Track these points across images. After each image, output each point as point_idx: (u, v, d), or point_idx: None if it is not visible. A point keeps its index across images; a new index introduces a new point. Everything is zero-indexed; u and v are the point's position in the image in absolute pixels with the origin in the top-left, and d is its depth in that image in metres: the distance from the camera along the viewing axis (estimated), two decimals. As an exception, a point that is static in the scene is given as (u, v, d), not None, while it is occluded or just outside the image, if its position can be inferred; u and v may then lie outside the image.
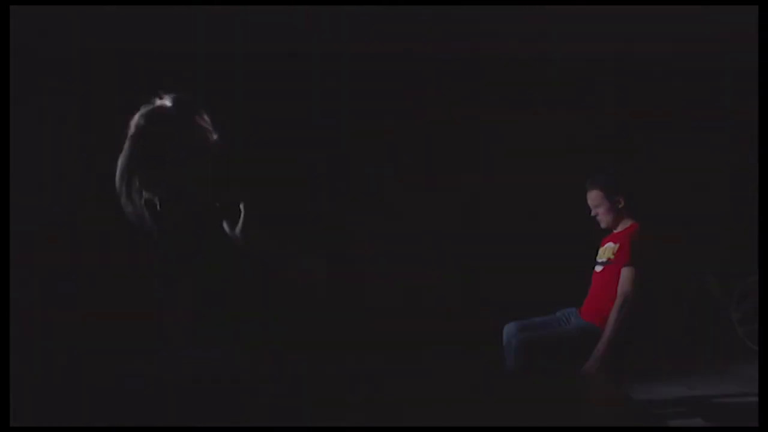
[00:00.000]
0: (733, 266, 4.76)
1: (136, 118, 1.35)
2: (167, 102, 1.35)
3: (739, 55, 4.60)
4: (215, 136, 1.38)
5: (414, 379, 1.38)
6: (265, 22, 4.06)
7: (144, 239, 1.47)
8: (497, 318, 3.19)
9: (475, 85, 4.92)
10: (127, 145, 1.33)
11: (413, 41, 4.55)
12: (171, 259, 1.48)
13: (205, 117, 1.37)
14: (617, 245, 2.89)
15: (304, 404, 1.17)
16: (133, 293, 3.38)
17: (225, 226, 1.33)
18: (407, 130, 4.85)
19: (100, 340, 4.11)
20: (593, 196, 2.99)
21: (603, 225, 3.02)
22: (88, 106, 4.36)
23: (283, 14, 3.91)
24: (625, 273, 2.78)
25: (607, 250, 2.98)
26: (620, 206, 2.96)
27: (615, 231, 3.01)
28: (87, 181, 4.12)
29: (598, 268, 3.01)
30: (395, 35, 4.42)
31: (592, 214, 3.02)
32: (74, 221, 4.33)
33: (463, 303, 4.82)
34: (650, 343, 3.67)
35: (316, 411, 1.12)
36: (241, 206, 1.30)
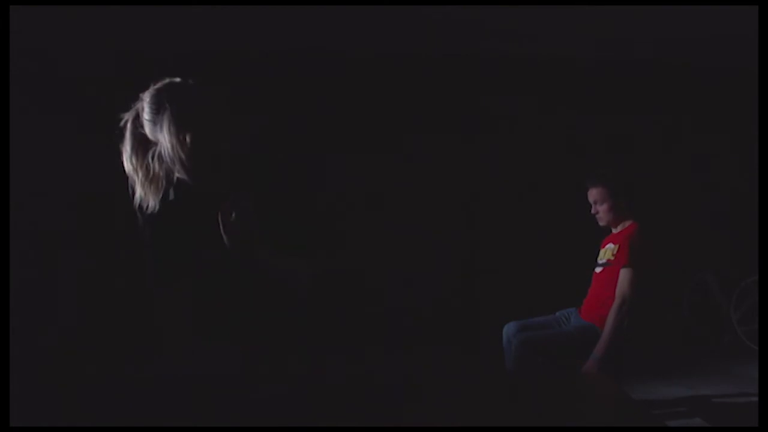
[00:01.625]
0: (733, 266, 4.76)
1: (159, 85, 1.33)
2: (191, 81, 1.36)
3: (739, 55, 4.60)
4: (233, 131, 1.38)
5: (414, 378, 1.38)
6: (264, 22, 4.06)
7: (139, 239, 1.46)
8: (497, 318, 3.19)
9: (476, 84, 4.92)
10: (147, 108, 1.31)
11: (411, 41, 4.55)
12: (165, 258, 1.47)
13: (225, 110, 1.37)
14: (617, 246, 2.88)
15: (303, 404, 1.17)
16: (132, 293, 3.38)
17: (221, 224, 1.32)
18: (407, 129, 4.85)
19: (100, 340, 4.11)
20: (595, 193, 2.95)
21: (602, 223, 2.99)
22: (87, 106, 4.36)
23: (283, 14, 3.91)
24: (624, 274, 2.77)
25: (607, 252, 2.97)
26: (622, 205, 2.93)
27: (615, 231, 3.00)
28: (87, 182, 4.13)
29: (598, 270, 3.00)
30: (393, 35, 4.41)
31: (593, 211, 2.99)
32: (74, 221, 4.33)
33: (463, 303, 4.83)
34: (650, 344, 3.68)
35: (316, 411, 1.12)
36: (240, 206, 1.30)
